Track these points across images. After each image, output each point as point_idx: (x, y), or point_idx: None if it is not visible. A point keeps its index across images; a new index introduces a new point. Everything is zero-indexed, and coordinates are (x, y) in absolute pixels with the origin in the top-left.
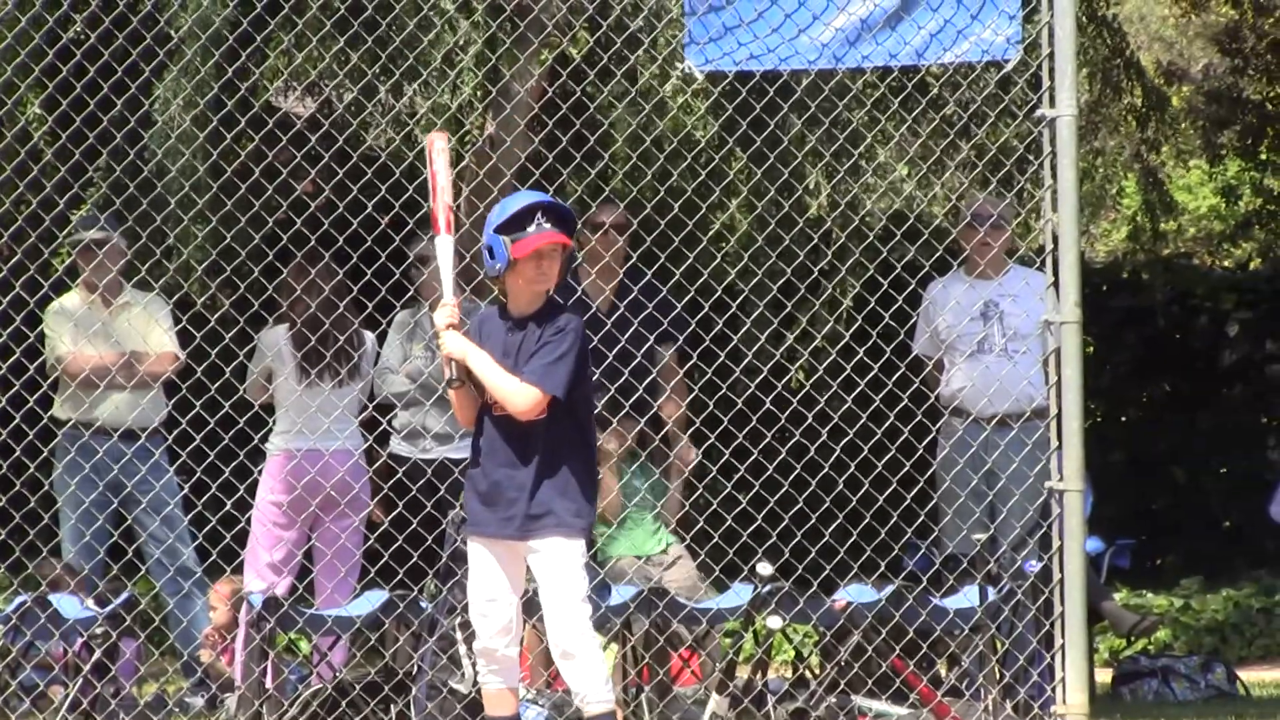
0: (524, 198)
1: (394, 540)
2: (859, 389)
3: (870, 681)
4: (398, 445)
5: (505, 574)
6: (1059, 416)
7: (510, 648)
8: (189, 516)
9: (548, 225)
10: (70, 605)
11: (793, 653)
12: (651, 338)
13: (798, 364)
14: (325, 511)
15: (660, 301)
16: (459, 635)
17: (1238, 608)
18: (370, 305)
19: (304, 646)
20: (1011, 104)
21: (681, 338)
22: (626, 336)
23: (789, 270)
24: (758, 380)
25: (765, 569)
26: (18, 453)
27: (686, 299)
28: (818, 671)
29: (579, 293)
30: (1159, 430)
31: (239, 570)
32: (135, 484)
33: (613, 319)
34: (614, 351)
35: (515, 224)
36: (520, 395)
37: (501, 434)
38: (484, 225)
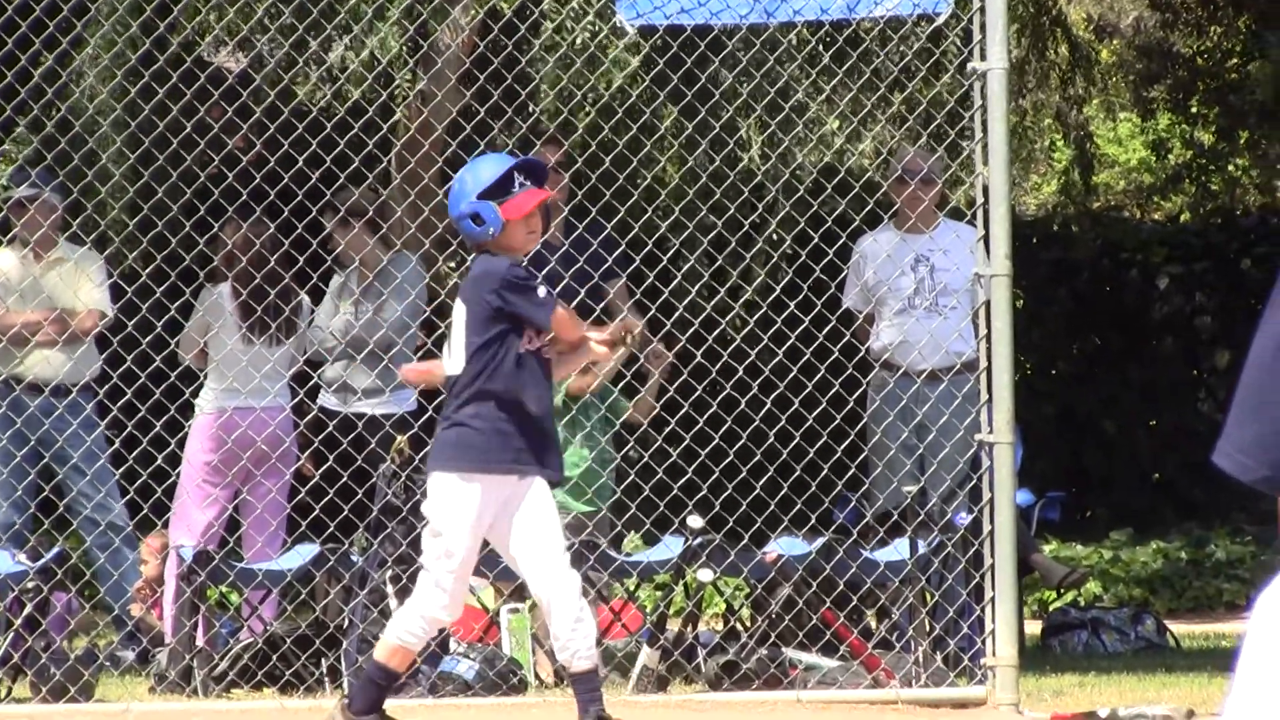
0: (500, 160)
1: (325, 494)
2: (790, 342)
3: (801, 634)
4: (327, 399)
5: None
6: (989, 369)
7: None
8: (120, 471)
9: (529, 184)
10: (1, 560)
11: (723, 605)
12: (596, 274)
13: (729, 317)
14: (256, 467)
15: (605, 239)
16: (390, 589)
17: (1167, 560)
18: (301, 259)
19: (234, 600)
20: (943, 58)
21: (624, 274)
22: (571, 273)
23: (720, 223)
24: (689, 333)
25: (696, 522)
26: None
27: (618, 252)
28: (748, 624)
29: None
30: (1089, 383)
31: (170, 524)
32: (65, 439)
33: (557, 256)
34: (559, 289)
35: (497, 188)
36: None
37: (543, 375)
38: (453, 197)
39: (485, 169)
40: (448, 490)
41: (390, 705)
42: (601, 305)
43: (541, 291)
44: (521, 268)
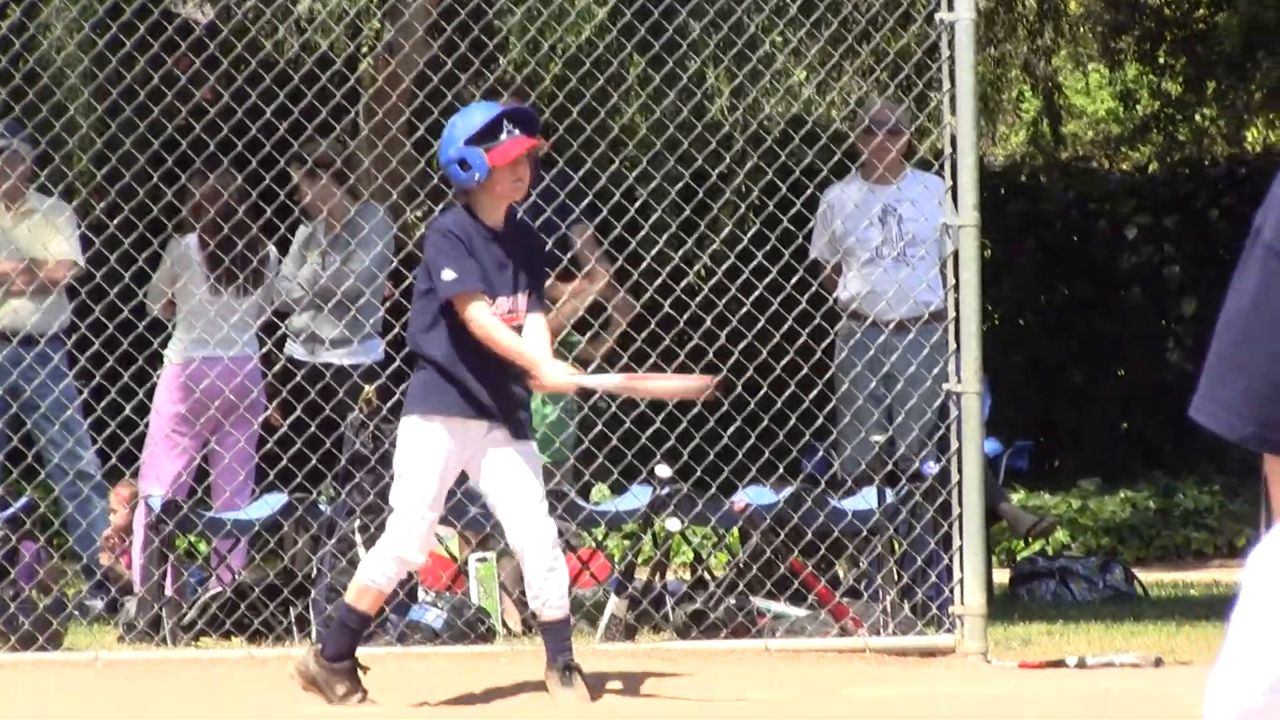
0: (490, 108)
1: (292, 444)
2: (757, 292)
3: (769, 583)
4: (295, 349)
5: (453, 478)
6: (957, 320)
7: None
8: (88, 421)
9: (518, 131)
10: None
11: (691, 555)
12: (564, 224)
13: (696, 267)
14: (224, 417)
15: (570, 188)
16: (358, 538)
17: (1135, 509)
18: (269, 210)
19: (203, 549)
20: (910, 8)
21: (593, 224)
22: (538, 223)
23: (687, 174)
24: (656, 283)
25: (664, 471)
26: None
27: (585, 202)
28: (717, 573)
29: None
30: (1057, 334)
31: (139, 474)
32: (34, 389)
33: (524, 206)
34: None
35: (486, 134)
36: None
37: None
38: (443, 143)
39: (475, 115)
40: (410, 431)
41: (359, 654)
42: (569, 255)
43: (449, 272)
44: (456, 237)
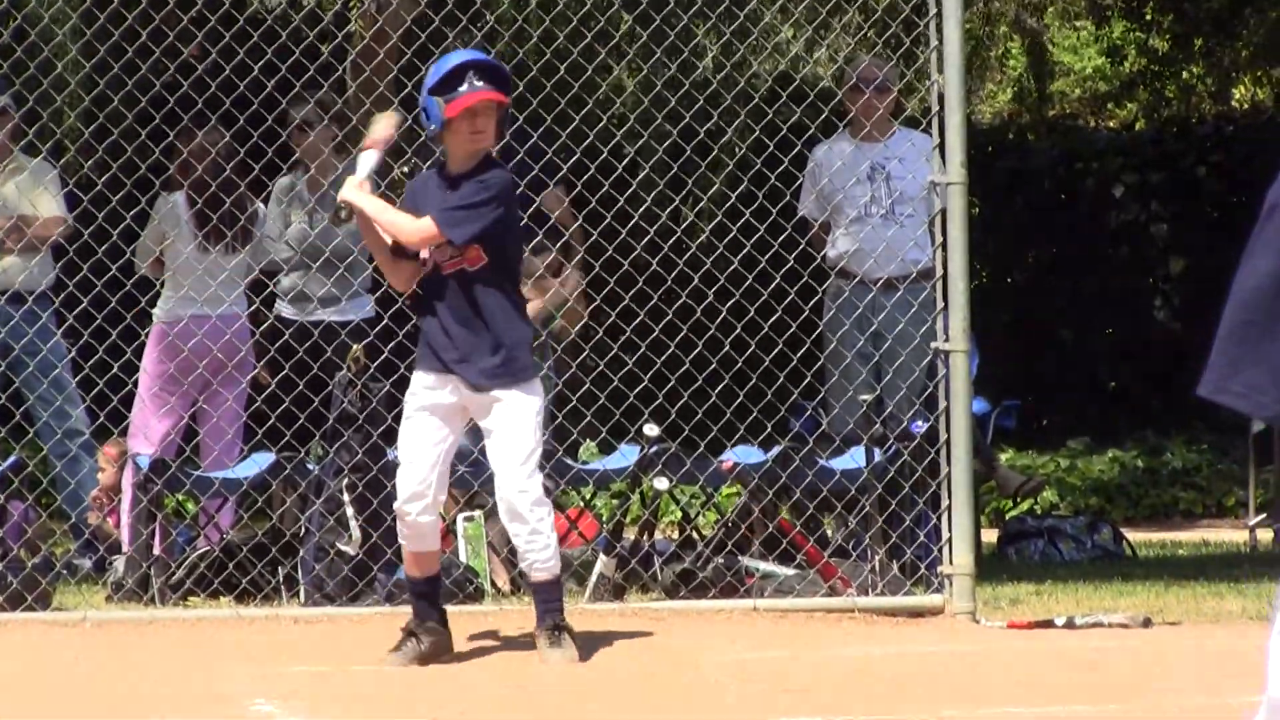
0: (456, 57)
1: (281, 402)
2: (746, 250)
3: (757, 542)
4: (283, 308)
5: (442, 428)
6: (945, 278)
7: (425, 515)
8: (76, 379)
9: (480, 84)
10: None
11: (679, 514)
12: (522, 183)
13: (684, 225)
14: (213, 375)
15: (532, 147)
16: (346, 497)
17: (1123, 468)
18: (257, 168)
19: (191, 508)
20: None
21: (580, 187)
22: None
23: (676, 132)
24: (644, 242)
25: (652, 430)
26: None
27: (572, 161)
28: (705, 532)
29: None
30: (1045, 292)
31: (127, 433)
32: (22, 347)
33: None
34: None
35: (448, 84)
36: (410, 228)
37: (452, 289)
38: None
39: (446, 63)
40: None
41: (347, 613)
42: (538, 217)
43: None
44: (412, 193)
